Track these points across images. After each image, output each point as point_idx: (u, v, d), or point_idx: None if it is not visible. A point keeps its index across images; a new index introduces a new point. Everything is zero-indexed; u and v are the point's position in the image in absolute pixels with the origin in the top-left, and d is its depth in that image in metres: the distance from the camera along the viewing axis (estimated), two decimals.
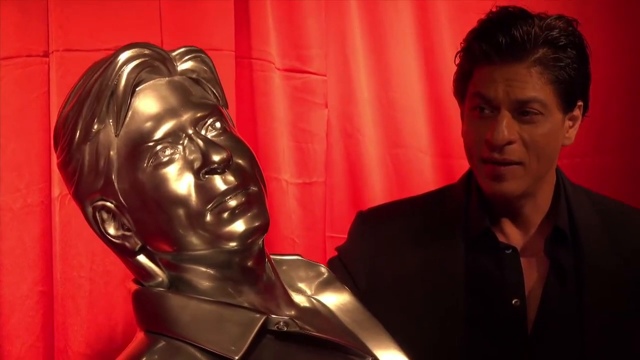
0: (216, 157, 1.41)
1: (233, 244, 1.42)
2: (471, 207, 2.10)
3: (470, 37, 2.03)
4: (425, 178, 2.76)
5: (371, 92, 2.73)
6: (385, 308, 1.78)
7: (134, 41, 2.22)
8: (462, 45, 2.05)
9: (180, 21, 2.35)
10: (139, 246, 1.47)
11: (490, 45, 1.96)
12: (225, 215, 1.42)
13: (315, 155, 2.62)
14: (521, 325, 2.03)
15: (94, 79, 1.43)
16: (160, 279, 1.49)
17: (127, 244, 1.47)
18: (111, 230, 1.47)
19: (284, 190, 2.54)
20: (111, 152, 1.44)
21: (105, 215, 1.47)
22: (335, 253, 2.24)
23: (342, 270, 2.11)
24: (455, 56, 2.08)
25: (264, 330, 1.43)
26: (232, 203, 1.42)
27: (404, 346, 1.64)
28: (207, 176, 1.41)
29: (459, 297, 2.04)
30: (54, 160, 2.18)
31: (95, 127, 1.43)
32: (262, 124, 2.52)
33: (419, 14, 2.76)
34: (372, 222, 2.19)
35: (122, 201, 1.45)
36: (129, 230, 1.47)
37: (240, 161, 1.45)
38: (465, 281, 2.05)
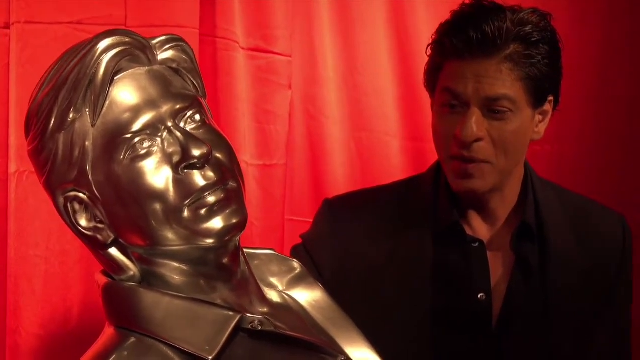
0: (196, 152, 1.37)
1: (210, 240, 1.39)
2: (439, 199, 2.09)
3: (441, 31, 2.01)
4: (391, 162, 2.75)
5: (337, 74, 2.70)
6: (352, 298, 1.77)
7: (98, 15, 2.22)
8: (433, 38, 2.03)
9: None
10: (111, 239, 1.43)
11: (461, 41, 1.94)
12: (203, 211, 1.38)
13: (278, 137, 2.58)
14: (486, 319, 2.04)
15: (72, 66, 1.37)
16: (132, 273, 1.45)
17: (99, 236, 1.43)
18: (83, 221, 1.43)
19: (244, 171, 2.46)
20: (87, 143, 1.38)
21: (77, 206, 1.42)
22: (299, 239, 2.22)
23: (307, 258, 2.09)
24: (426, 48, 2.06)
25: (237, 328, 1.40)
26: (211, 199, 1.38)
27: (371, 337, 1.62)
28: (185, 171, 1.37)
29: (427, 289, 2.04)
30: (13, 135, 2.15)
31: (71, 116, 1.38)
32: (224, 103, 2.47)
33: None
34: (339, 210, 2.17)
35: (96, 193, 1.40)
36: (101, 222, 1.42)
37: (219, 156, 1.42)
38: (433, 273, 2.05)
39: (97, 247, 1.44)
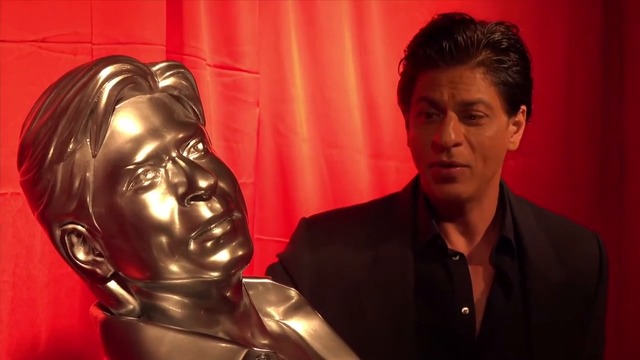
0: (203, 184, 1.33)
1: (215, 274, 1.35)
2: (419, 214, 2.10)
3: (414, 44, 2.04)
4: (360, 179, 2.73)
5: (306, 90, 2.68)
6: (332, 315, 1.75)
7: (63, 33, 2.15)
8: (406, 52, 2.06)
9: (111, 13, 2.22)
10: (110, 272, 1.38)
11: (435, 51, 1.97)
12: (209, 244, 1.35)
13: (245, 156, 2.53)
14: (470, 334, 2.05)
15: (72, 95, 1.32)
16: (131, 307, 1.40)
17: (98, 270, 1.38)
18: (80, 255, 1.38)
19: None
20: (87, 174, 1.34)
21: (74, 239, 1.37)
22: (267, 258, 2.20)
23: (285, 276, 2.07)
24: (399, 64, 2.08)
25: None
26: (217, 231, 1.35)
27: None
28: (192, 202, 1.34)
29: (409, 304, 2.04)
30: None
31: (71, 146, 1.33)
32: None
33: (354, 13, 2.73)
34: (317, 229, 2.16)
35: (96, 225, 1.35)
36: (100, 255, 1.38)
37: (224, 186, 1.39)
38: (414, 288, 2.05)
39: (96, 280, 1.40)
